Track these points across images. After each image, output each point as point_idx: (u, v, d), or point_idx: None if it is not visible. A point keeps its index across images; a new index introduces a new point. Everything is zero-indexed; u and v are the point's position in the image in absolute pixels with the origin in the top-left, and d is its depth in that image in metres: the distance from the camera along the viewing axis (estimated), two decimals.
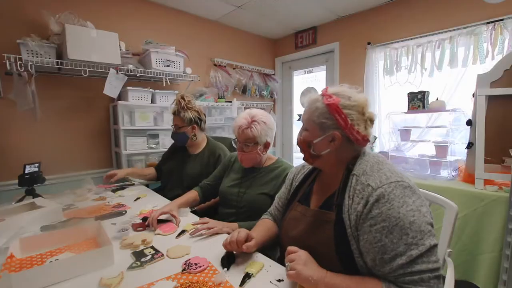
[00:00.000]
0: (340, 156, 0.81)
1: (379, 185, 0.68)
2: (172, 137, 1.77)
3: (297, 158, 4.01)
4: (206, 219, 1.16)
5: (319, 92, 0.85)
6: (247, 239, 0.89)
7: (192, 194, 1.46)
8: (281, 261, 0.86)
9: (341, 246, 0.72)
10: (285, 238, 0.91)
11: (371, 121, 0.80)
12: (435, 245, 0.64)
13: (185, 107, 1.69)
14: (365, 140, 0.79)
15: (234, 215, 1.33)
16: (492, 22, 2.12)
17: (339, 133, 0.77)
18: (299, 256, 0.72)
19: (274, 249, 1.24)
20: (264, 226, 1.03)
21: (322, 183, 0.90)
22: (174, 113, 1.72)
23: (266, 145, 1.32)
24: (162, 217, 1.20)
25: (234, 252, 0.90)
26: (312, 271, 0.69)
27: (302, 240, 0.80)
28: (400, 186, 0.68)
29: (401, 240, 0.62)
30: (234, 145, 1.38)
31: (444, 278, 0.72)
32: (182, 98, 1.71)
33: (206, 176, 1.57)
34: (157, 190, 1.77)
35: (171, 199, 1.50)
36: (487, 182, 1.69)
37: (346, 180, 0.77)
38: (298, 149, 0.92)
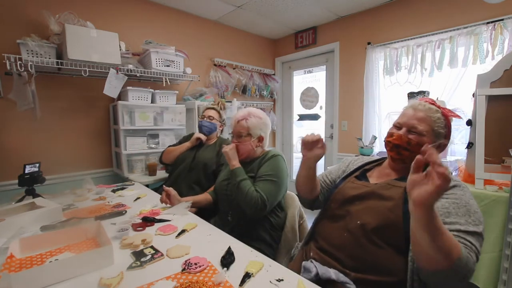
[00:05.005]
0: None
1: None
2: (203, 124, 1.97)
3: (297, 158, 4.00)
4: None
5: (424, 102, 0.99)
6: None
7: (203, 195, 1.52)
8: None
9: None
10: (334, 202, 1.00)
11: None
12: (483, 239, 0.73)
13: (223, 109, 2.18)
14: None
15: (227, 207, 1.36)
16: (492, 22, 2.12)
17: (446, 142, 0.93)
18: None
19: (269, 245, 1.28)
20: None
21: (383, 171, 1.02)
22: (214, 108, 2.05)
23: (260, 139, 1.39)
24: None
25: (233, 252, 0.90)
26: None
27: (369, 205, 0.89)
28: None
29: (465, 217, 0.73)
30: (231, 139, 1.46)
31: None
32: (222, 103, 2.34)
33: (215, 162, 1.82)
34: (157, 190, 1.77)
35: (174, 181, 1.85)
36: (487, 182, 1.68)
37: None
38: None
